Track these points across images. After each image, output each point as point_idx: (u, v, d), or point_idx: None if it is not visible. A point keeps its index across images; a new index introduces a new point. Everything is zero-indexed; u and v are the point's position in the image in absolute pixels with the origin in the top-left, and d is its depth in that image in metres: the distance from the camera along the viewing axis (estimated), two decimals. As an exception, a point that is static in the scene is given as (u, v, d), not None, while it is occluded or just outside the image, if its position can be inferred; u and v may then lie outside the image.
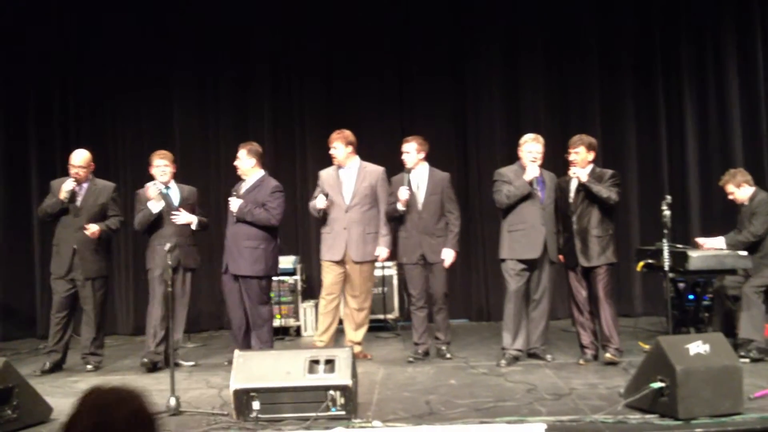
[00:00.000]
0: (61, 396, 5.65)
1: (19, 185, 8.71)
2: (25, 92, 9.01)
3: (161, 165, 6.71)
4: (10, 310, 8.70)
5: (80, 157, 6.68)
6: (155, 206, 6.60)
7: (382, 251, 6.78)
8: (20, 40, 8.88)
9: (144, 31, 9.03)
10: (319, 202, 6.69)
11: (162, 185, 6.67)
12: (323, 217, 6.81)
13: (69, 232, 6.65)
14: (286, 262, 8.38)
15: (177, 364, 6.71)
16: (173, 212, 6.67)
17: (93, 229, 6.61)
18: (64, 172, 6.91)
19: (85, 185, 6.73)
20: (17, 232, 8.60)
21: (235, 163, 6.61)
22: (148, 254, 6.77)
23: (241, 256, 6.41)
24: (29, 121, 9.02)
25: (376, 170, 6.86)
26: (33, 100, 9.04)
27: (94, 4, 8.93)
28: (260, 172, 6.59)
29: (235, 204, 6.42)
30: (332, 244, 6.73)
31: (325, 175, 6.88)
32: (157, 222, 6.68)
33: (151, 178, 6.75)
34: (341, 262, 6.72)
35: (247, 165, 6.54)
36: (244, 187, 6.55)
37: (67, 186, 6.57)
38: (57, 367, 6.67)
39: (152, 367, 6.55)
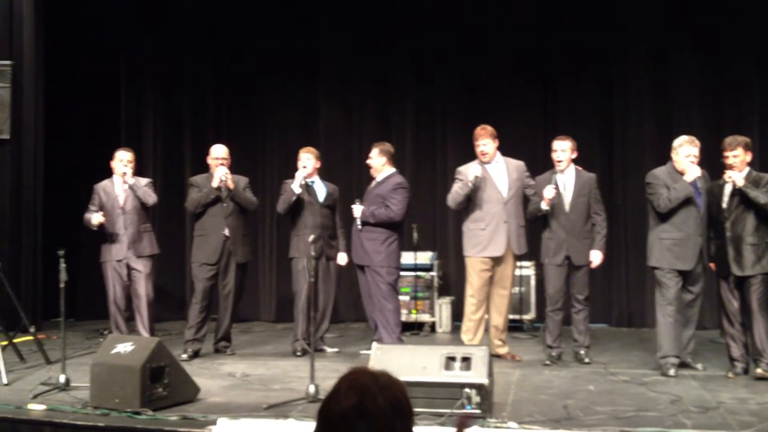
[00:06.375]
0: (208, 377, 5.94)
1: (175, 176, 9.21)
2: (181, 90, 9.58)
3: (304, 159, 7.01)
4: (163, 293, 9.19)
5: (223, 150, 7.10)
6: (297, 188, 6.89)
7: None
8: (178, 41, 9.43)
9: (292, 27, 9.33)
10: (474, 171, 6.52)
11: (305, 179, 6.96)
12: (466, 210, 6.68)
13: (218, 219, 6.95)
14: (423, 257, 8.43)
15: (321, 350, 6.95)
16: None
17: (228, 175, 6.88)
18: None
19: None
20: (172, 220, 9.09)
21: (368, 161, 6.89)
22: (292, 243, 7.05)
23: (361, 247, 6.71)
24: (185, 117, 9.57)
25: (519, 164, 6.79)
26: (188, 97, 9.58)
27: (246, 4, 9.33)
28: (390, 170, 6.83)
29: (357, 210, 6.70)
30: (491, 239, 6.59)
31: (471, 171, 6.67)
32: (302, 212, 6.96)
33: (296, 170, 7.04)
34: (494, 258, 6.62)
35: (378, 163, 6.82)
36: (373, 183, 6.81)
37: (220, 172, 6.88)
38: (197, 355, 6.83)
39: (301, 354, 6.79)
